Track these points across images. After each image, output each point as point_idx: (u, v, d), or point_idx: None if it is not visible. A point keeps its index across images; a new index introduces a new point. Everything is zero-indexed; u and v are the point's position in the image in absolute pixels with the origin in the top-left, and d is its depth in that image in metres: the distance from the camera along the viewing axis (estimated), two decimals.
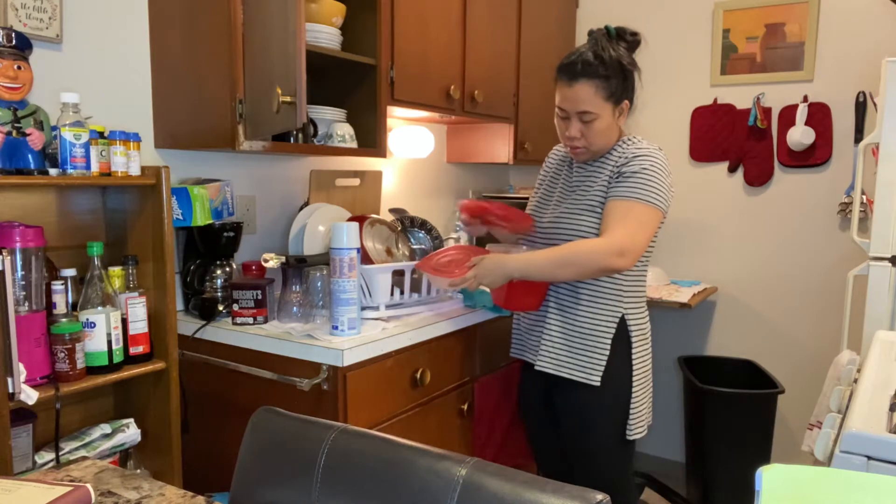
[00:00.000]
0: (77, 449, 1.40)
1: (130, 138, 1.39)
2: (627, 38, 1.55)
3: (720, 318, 2.78)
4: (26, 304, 1.27)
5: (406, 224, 2.02)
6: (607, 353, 1.54)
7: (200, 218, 1.61)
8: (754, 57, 2.60)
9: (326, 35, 1.75)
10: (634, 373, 1.57)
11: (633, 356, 1.57)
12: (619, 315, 1.56)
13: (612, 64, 1.49)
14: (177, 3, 1.61)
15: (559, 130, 1.59)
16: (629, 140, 1.56)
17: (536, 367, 1.60)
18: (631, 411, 1.57)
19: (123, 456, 1.51)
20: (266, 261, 1.66)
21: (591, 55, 1.49)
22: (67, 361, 1.32)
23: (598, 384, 1.54)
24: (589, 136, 1.53)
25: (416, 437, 1.67)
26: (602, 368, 1.54)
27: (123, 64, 1.64)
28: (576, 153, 1.58)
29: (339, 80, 1.93)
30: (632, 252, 1.44)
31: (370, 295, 1.66)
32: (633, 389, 1.57)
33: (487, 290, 1.68)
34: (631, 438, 1.58)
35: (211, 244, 1.71)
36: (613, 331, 1.55)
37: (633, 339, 1.57)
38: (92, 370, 1.37)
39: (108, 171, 1.37)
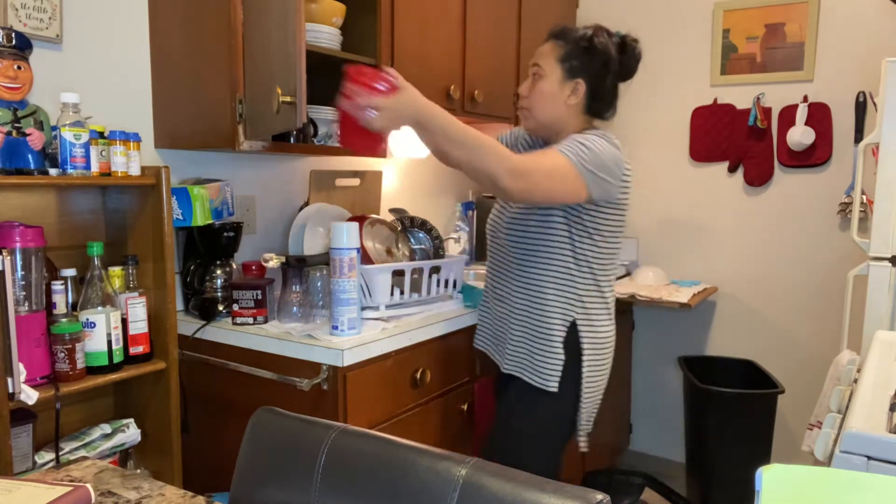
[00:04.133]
0: (77, 449, 1.40)
1: (130, 138, 1.39)
2: (627, 41, 1.52)
3: (720, 318, 2.78)
4: (26, 304, 1.27)
5: (406, 224, 2.02)
6: (561, 358, 1.49)
7: (200, 218, 1.61)
8: (754, 57, 2.60)
9: (326, 35, 1.75)
10: (584, 382, 1.50)
11: (584, 365, 1.50)
12: (568, 324, 1.49)
13: (579, 35, 1.48)
14: (177, 3, 1.61)
15: None
16: (583, 132, 1.48)
17: (503, 370, 1.58)
18: (580, 421, 1.52)
19: (123, 456, 1.51)
20: (266, 261, 1.66)
21: (569, 27, 1.52)
22: (67, 361, 1.32)
23: (556, 391, 1.49)
24: (533, 95, 1.51)
25: (416, 437, 1.67)
26: (558, 374, 1.49)
27: (123, 64, 1.64)
28: (521, 115, 1.56)
29: (340, 80, 1.93)
30: (525, 180, 1.33)
31: (370, 295, 1.66)
32: (583, 400, 1.51)
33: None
34: (583, 451, 1.55)
35: (211, 244, 1.71)
36: (563, 337, 1.49)
37: (584, 348, 1.50)
38: (92, 370, 1.37)
39: (108, 171, 1.37)
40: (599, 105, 1.53)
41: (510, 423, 1.56)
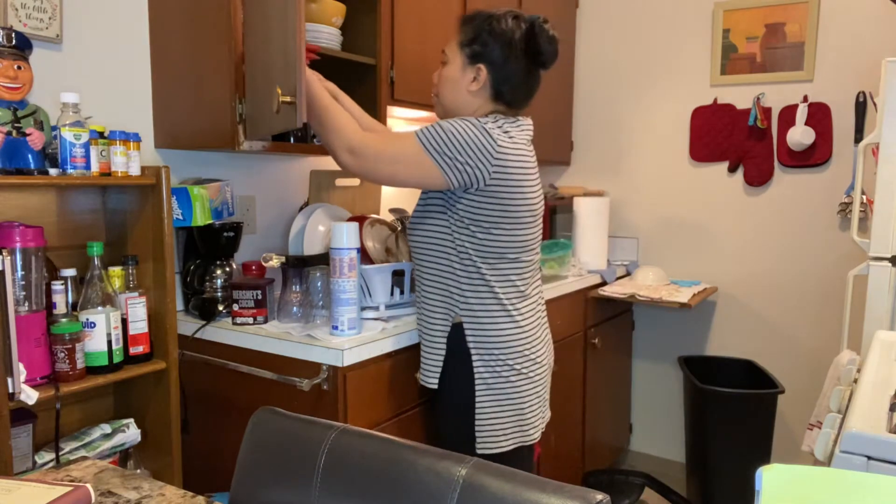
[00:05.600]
0: (77, 449, 1.40)
1: (130, 138, 1.39)
2: (536, 23, 1.46)
3: (720, 318, 2.78)
4: (26, 304, 1.27)
5: (406, 224, 2.01)
6: (441, 355, 1.49)
7: (200, 218, 1.61)
8: (754, 57, 2.60)
9: (326, 35, 1.75)
10: (477, 385, 1.46)
11: (475, 368, 1.46)
12: (450, 320, 1.48)
13: (481, 20, 1.46)
14: (177, 2, 1.61)
15: None
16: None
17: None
18: (477, 424, 1.46)
19: (123, 456, 1.51)
20: (266, 261, 1.66)
21: (478, 12, 1.48)
22: (67, 361, 1.32)
23: (436, 387, 1.51)
24: (439, 82, 1.51)
25: (417, 437, 1.67)
26: (437, 371, 1.49)
27: (123, 64, 1.64)
28: (434, 102, 1.56)
29: (339, 80, 1.93)
30: (361, 160, 1.38)
31: (370, 295, 1.66)
32: (478, 402, 1.46)
33: None
34: (480, 452, 1.47)
35: (211, 244, 1.71)
36: (445, 334, 1.48)
37: (472, 348, 1.46)
38: (92, 370, 1.37)
39: (108, 171, 1.37)
40: (508, 91, 1.47)
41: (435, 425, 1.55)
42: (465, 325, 1.46)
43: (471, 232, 1.42)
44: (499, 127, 1.41)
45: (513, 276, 1.48)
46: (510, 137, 1.42)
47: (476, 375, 1.46)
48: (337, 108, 1.43)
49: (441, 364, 1.49)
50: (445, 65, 1.50)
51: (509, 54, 1.44)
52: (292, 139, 1.73)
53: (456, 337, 1.47)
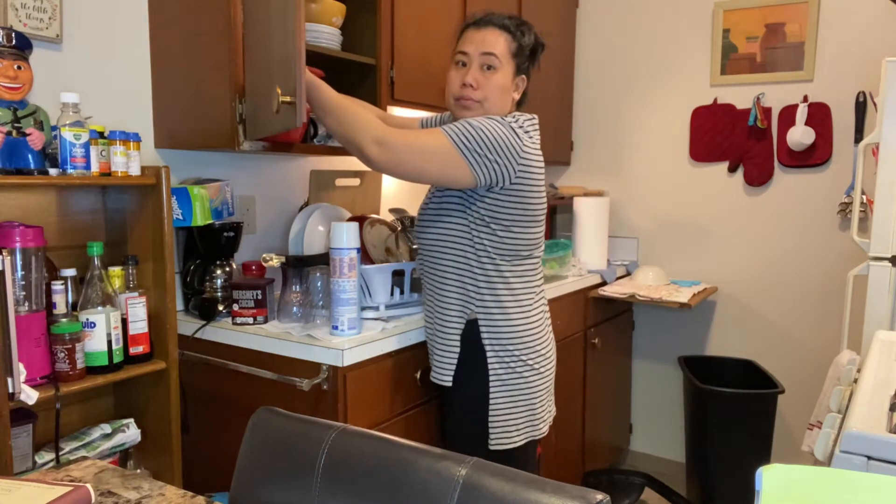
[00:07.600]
0: (77, 449, 1.40)
1: (130, 138, 1.39)
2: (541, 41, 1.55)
3: (720, 318, 2.78)
4: (26, 304, 1.27)
5: (406, 224, 2.01)
6: (456, 353, 1.49)
7: (200, 218, 1.61)
8: (754, 57, 2.60)
9: (326, 35, 1.75)
10: (492, 381, 1.47)
11: (489, 364, 1.47)
12: (465, 317, 1.48)
13: (532, 35, 1.49)
14: (177, 2, 1.61)
15: (453, 81, 1.48)
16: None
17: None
18: (490, 420, 1.47)
19: (123, 456, 1.51)
20: (266, 261, 1.66)
21: (507, 18, 1.49)
22: (67, 361, 1.32)
23: (450, 385, 1.51)
24: (486, 87, 1.45)
25: (417, 437, 1.67)
26: (451, 369, 1.50)
27: (123, 64, 1.64)
28: (465, 104, 1.47)
29: (340, 80, 1.93)
30: (389, 151, 1.34)
31: (370, 295, 1.66)
32: (492, 398, 1.47)
33: None
34: (493, 448, 1.48)
35: (211, 244, 1.71)
36: (460, 331, 1.48)
37: (485, 343, 1.47)
38: (92, 370, 1.37)
39: (108, 171, 1.37)
40: (526, 100, 1.57)
41: (441, 424, 1.56)
42: (480, 322, 1.48)
43: (491, 230, 1.44)
44: (520, 126, 1.44)
45: (528, 273, 1.51)
46: (530, 137, 1.45)
47: (490, 371, 1.48)
48: (354, 105, 1.43)
49: (455, 361, 1.50)
50: (495, 71, 1.46)
51: (536, 70, 1.54)
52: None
53: (471, 333, 1.48)
